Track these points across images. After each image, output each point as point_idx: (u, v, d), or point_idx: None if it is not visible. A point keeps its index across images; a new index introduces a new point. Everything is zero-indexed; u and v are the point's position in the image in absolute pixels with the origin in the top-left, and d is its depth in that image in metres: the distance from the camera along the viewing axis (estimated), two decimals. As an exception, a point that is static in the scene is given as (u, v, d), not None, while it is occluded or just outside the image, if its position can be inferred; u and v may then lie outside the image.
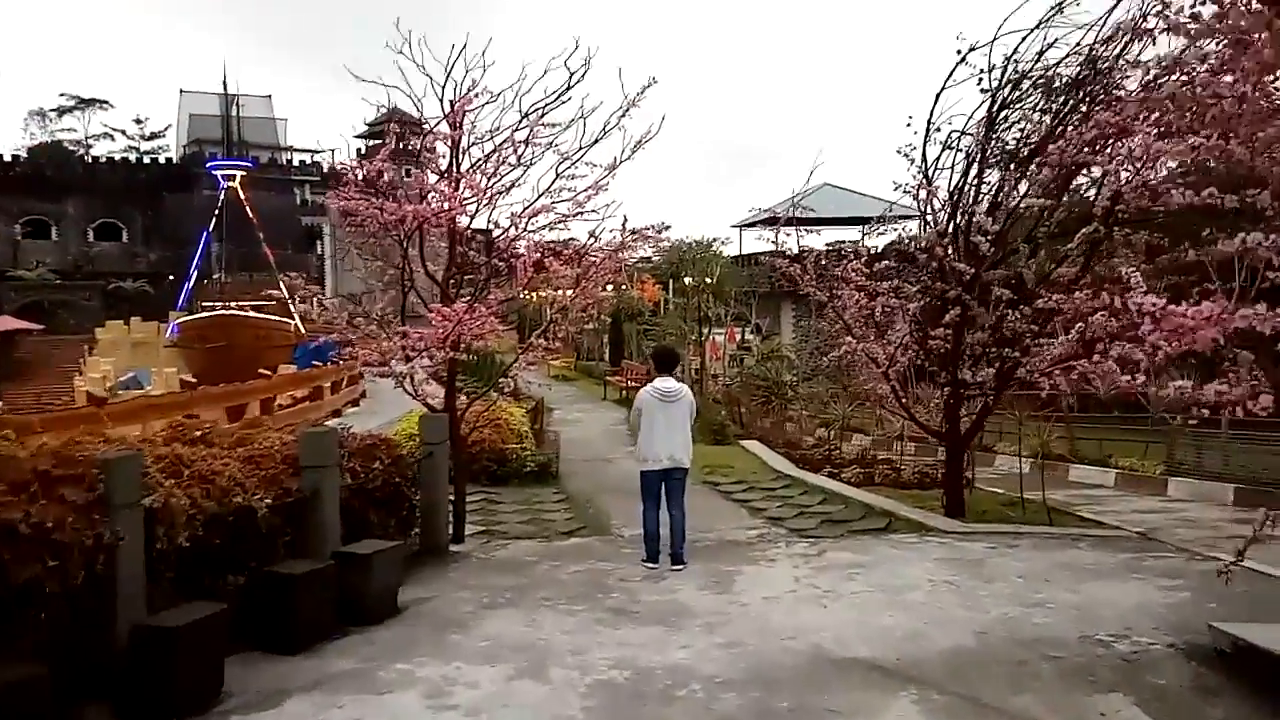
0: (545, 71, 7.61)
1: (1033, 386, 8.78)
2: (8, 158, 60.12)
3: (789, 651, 5.17)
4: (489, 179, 7.50)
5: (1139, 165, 5.85)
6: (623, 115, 7.88)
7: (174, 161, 62.89)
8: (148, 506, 4.66)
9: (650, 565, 7.19)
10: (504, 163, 7.56)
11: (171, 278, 53.20)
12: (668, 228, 8.30)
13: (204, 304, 42.53)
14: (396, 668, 4.99)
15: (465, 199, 7.41)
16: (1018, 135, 8.39)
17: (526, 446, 11.95)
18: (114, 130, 70.68)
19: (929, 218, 8.84)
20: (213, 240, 46.94)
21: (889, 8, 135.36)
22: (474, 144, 7.61)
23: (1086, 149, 6.89)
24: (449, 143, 7.42)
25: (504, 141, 7.55)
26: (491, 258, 8.14)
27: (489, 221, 8.33)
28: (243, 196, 45.53)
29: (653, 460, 7.24)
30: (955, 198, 8.48)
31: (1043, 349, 8.04)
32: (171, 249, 56.15)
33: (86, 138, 70.44)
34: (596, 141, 8.06)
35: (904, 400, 9.16)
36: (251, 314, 36.85)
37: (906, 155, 8.48)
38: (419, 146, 7.37)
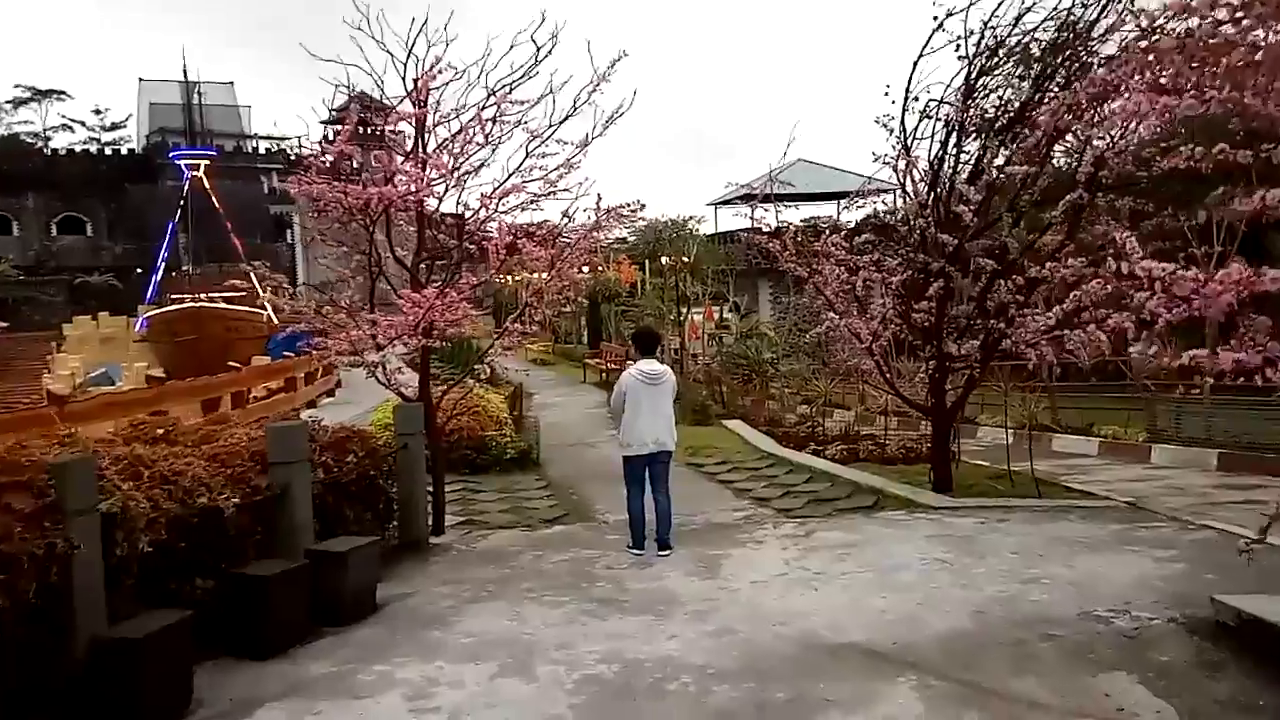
0: (511, 46, 7.35)
1: (1016, 357, 8.69)
2: (-38, 152, 58.52)
3: (781, 638, 5.01)
4: (456, 159, 7.23)
5: (1127, 126, 5.69)
6: (594, 90, 7.64)
7: (136, 152, 61.62)
8: (104, 511, 4.40)
9: (636, 552, 7.02)
10: (471, 142, 7.31)
11: (139, 271, 52.21)
12: (643, 206, 8.09)
13: (173, 296, 41.74)
14: (375, 669, 4.79)
15: (432, 180, 7.14)
16: (997, 102, 8.21)
17: (506, 433, 11.74)
18: (73, 122, 68.96)
19: (908, 189, 8.66)
20: (179, 231, 46.07)
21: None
22: (439, 123, 7.35)
23: (1070, 113, 6.72)
24: (413, 122, 7.13)
25: (470, 120, 7.27)
26: (462, 241, 7.89)
27: (459, 204, 8.08)
28: (208, 186, 44.64)
29: (637, 445, 7.05)
30: (935, 167, 8.31)
31: (1026, 319, 7.92)
32: (137, 241, 55.12)
33: (45, 130, 68.70)
34: (567, 118, 7.82)
35: (888, 375, 9.01)
36: (222, 305, 36.20)
37: (885, 125, 8.31)
38: (382, 127, 7.07)
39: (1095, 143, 6.86)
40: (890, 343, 9.16)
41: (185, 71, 49.21)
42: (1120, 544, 6.67)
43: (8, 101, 68.01)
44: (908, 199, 8.82)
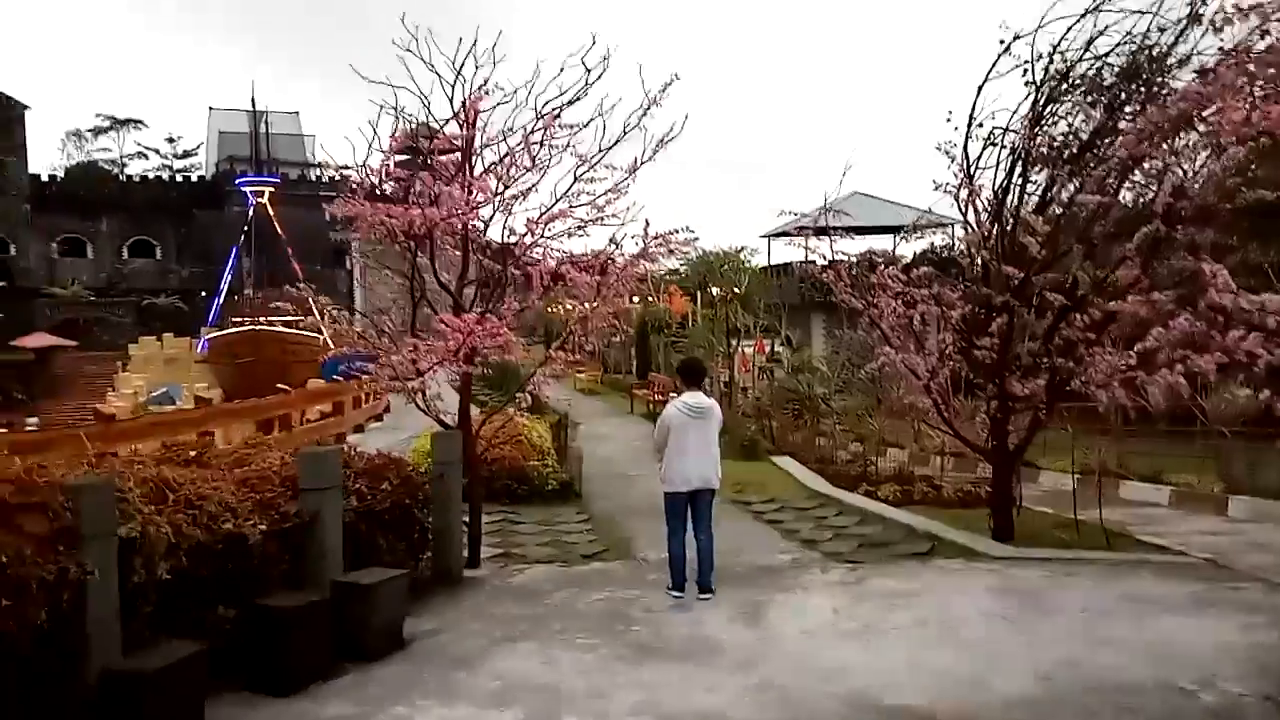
0: (561, 69, 7.20)
1: (1085, 399, 8.19)
2: (44, 178, 61.12)
3: (830, 696, 4.65)
4: (501, 181, 7.09)
5: (1218, 148, 5.29)
6: (644, 114, 7.45)
7: (205, 179, 63.63)
8: (123, 536, 4.26)
9: (676, 594, 6.70)
10: (517, 165, 7.15)
11: (204, 294, 53.65)
12: (696, 237, 7.84)
13: (233, 319, 42.68)
14: (395, 711, 4.55)
15: (478, 203, 6.99)
16: (1066, 130, 7.83)
17: (548, 463, 11.50)
18: (148, 149, 71.79)
19: (970, 220, 8.28)
20: (242, 256, 47.23)
21: (906, 11, 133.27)
22: (486, 145, 7.21)
23: (1148, 140, 6.33)
24: (460, 143, 7.01)
25: (518, 143, 7.13)
26: (507, 266, 7.72)
27: (505, 229, 7.94)
28: (271, 213, 45.74)
29: (681, 482, 6.72)
30: (1000, 197, 7.93)
31: (1096, 359, 7.46)
32: (204, 265, 56.67)
33: (121, 157, 71.60)
34: (617, 143, 7.64)
35: (947, 415, 8.58)
36: (280, 328, 36.86)
37: (946, 152, 7.95)
38: (429, 148, 6.96)
39: (1175, 170, 6.44)
40: (947, 380, 8.72)
41: (254, 101, 50.72)
42: (1200, 605, 6.14)
43: (89, 130, 71.24)
44: (969, 230, 8.44)
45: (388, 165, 6.85)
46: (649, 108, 7.26)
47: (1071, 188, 7.41)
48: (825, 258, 9.25)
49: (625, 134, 7.54)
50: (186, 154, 72.03)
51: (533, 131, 7.13)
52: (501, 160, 7.20)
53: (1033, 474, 14.38)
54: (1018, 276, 7.43)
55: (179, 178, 66.64)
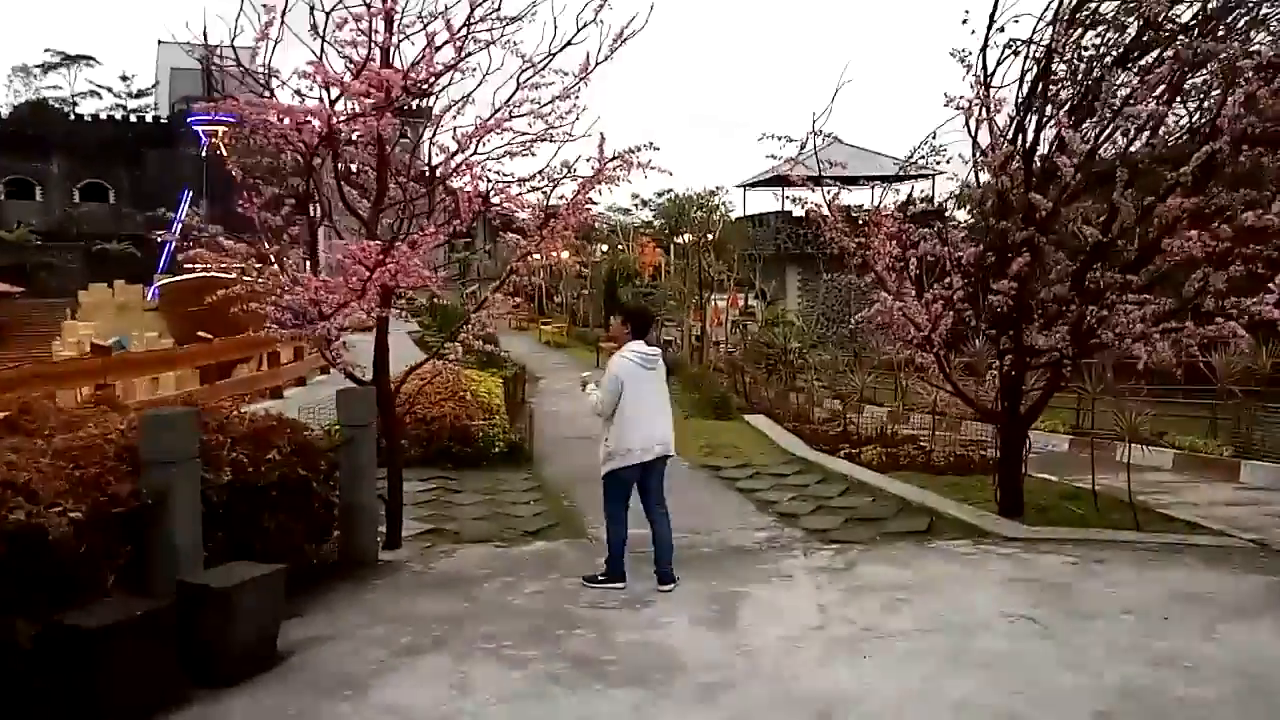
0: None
1: (1119, 353, 7.04)
2: (-13, 115, 58.17)
3: (823, 744, 3.49)
4: (419, 71, 5.69)
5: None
6: (602, 4, 6.10)
7: (160, 120, 60.74)
8: None
9: (619, 586, 5.54)
10: (447, 46, 5.76)
11: (158, 238, 51.28)
12: (656, 149, 6.50)
13: (185, 266, 40.71)
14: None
15: (398, 93, 5.59)
16: (1102, 30, 6.56)
17: (497, 423, 10.24)
18: (100, 88, 68.44)
19: (983, 141, 6.99)
20: (193, 200, 45.07)
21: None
22: (404, 33, 5.79)
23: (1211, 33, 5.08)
24: (373, 14, 5.50)
25: (439, 29, 5.73)
26: (435, 187, 6.38)
27: (432, 146, 6.59)
28: (225, 155, 43.53)
29: (641, 450, 5.47)
30: (1022, 113, 6.67)
31: (1130, 308, 6.29)
32: (158, 210, 54.19)
33: (73, 96, 68.21)
34: (569, 43, 6.29)
35: (949, 372, 7.40)
36: (230, 276, 35.07)
37: (961, 59, 6.65)
38: (326, 20, 5.45)
39: (1248, 75, 5.22)
40: (948, 332, 7.53)
41: (205, 34, 47.87)
42: (1275, 608, 5.04)
43: (37, 66, 67.51)
44: (980, 156, 7.14)
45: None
46: (605, -1, 5.89)
47: (1114, 102, 6.12)
48: (812, 203, 7.93)
49: (581, 29, 6.19)
50: (141, 94, 68.71)
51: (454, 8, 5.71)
52: (423, 52, 5.80)
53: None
54: (1045, 207, 6.19)
55: (133, 118, 63.60)
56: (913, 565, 6.00)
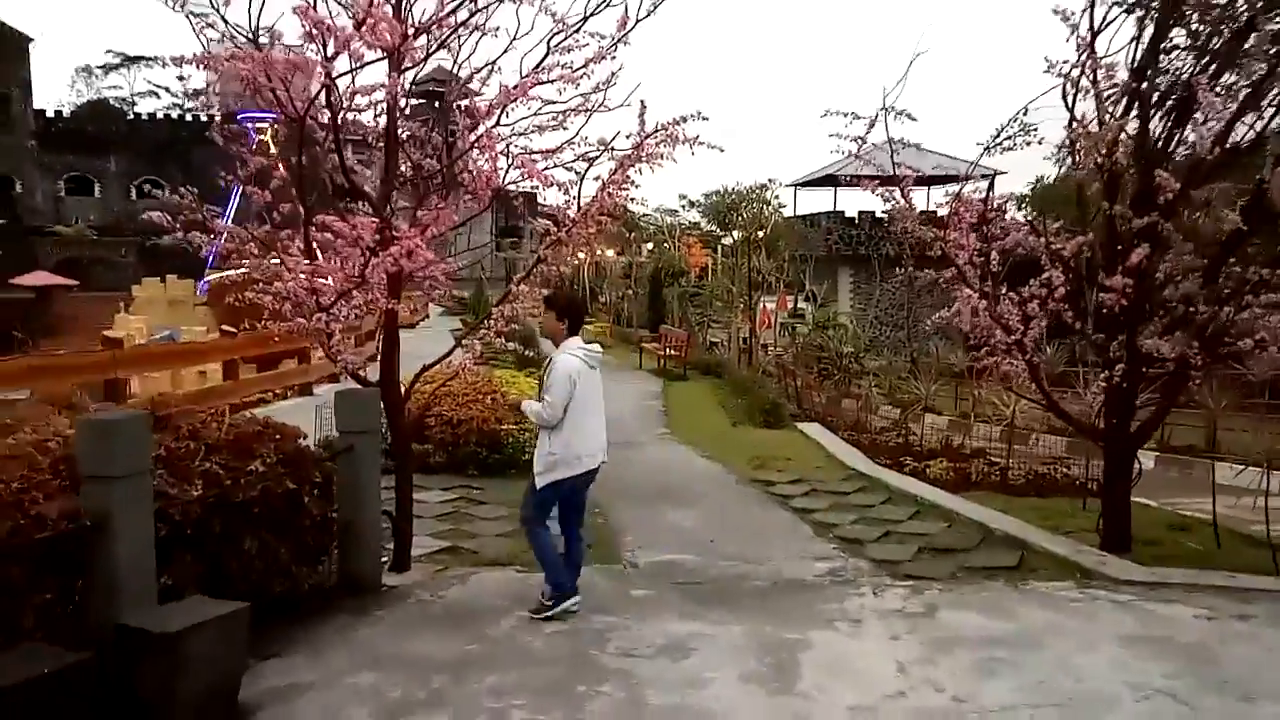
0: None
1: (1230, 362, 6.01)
2: (50, 114, 59.60)
3: None
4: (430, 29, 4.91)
5: None
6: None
7: (215, 119, 61.66)
8: None
9: (575, 600, 5.03)
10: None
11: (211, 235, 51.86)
12: (705, 119, 5.61)
13: (232, 261, 40.92)
14: None
15: (411, 48, 4.82)
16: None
17: (528, 427, 9.41)
18: (159, 87, 69.99)
19: (1089, 112, 5.97)
20: (244, 195, 45.37)
21: None
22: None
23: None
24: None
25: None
26: (452, 162, 5.59)
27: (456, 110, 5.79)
28: (274, 150, 43.71)
29: (587, 457, 4.98)
30: (1137, 78, 5.65)
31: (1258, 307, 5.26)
32: (215, 205, 55.03)
33: (132, 95, 69.75)
34: (607, 3, 5.48)
35: (1041, 380, 6.40)
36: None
37: (1065, 18, 5.66)
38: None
39: None
40: (1042, 336, 6.56)
41: (255, 33, 48.19)
42: None
43: (99, 67, 69.20)
44: (1079, 132, 6.11)
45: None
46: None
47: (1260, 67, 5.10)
48: (884, 191, 6.96)
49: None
50: (198, 93, 69.89)
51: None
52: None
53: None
54: (1172, 188, 5.17)
55: (189, 117, 64.70)
56: (1005, 612, 5.03)
